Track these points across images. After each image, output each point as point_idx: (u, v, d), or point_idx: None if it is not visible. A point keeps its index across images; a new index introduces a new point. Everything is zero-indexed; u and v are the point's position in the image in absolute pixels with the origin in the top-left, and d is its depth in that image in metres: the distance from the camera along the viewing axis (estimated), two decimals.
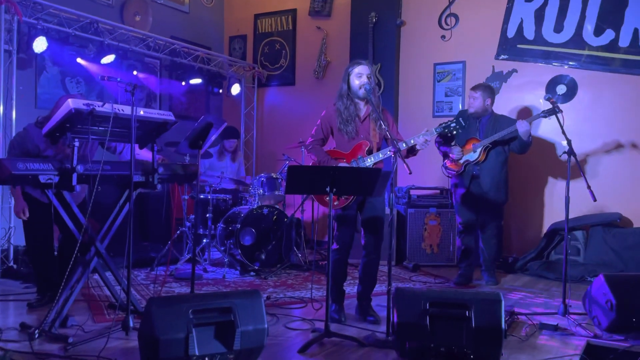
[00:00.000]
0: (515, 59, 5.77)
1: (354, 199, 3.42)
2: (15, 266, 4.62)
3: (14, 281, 4.37)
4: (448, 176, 4.69)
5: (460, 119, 3.49)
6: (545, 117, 4.25)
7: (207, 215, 5.11)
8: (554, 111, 4.09)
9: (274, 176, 5.33)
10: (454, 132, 3.52)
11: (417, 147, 3.44)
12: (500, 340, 2.58)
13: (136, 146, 3.53)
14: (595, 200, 3.49)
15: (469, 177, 4.53)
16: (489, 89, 4.60)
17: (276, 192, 5.30)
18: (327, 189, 2.97)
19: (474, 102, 4.56)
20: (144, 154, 3.57)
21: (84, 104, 2.84)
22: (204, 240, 5.26)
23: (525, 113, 5.68)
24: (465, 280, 4.59)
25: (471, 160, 4.49)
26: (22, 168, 2.74)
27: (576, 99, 5.51)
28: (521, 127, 4.29)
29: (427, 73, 6.25)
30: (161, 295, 3.92)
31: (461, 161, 4.54)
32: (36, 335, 2.91)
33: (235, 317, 2.50)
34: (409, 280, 4.84)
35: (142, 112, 3.13)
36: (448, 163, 4.63)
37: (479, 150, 4.45)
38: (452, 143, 4.62)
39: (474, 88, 4.62)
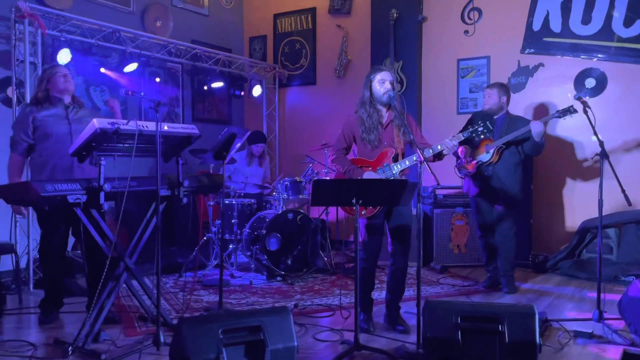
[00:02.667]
0: (542, 53, 5.63)
1: (381, 208, 3.38)
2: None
3: None
4: (461, 177, 4.59)
5: (488, 122, 3.42)
6: (559, 117, 4.12)
7: (233, 221, 5.13)
8: (568, 111, 3.99)
9: (298, 180, 5.32)
10: (482, 136, 3.45)
11: (444, 152, 3.38)
12: (535, 355, 2.53)
13: None
14: (630, 204, 3.37)
15: (482, 178, 4.42)
16: (505, 87, 4.49)
17: (300, 196, 5.29)
18: (354, 201, 2.94)
19: (489, 99, 4.44)
20: None
21: (108, 123, 2.86)
22: (230, 246, 5.28)
23: (553, 108, 5.55)
24: (495, 282, 4.52)
25: (484, 161, 4.37)
26: (50, 190, 2.77)
27: (606, 92, 5.35)
28: (535, 127, 4.13)
29: (450, 69, 6.15)
30: (191, 306, 3.95)
31: (474, 162, 4.42)
32: (69, 352, 2.95)
33: (265, 335, 2.49)
34: (437, 283, 4.79)
35: (166, 128, 3.14)
36: (459, 164, 4.54)
37: (492, 151, 4.33)
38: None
39: (490, 86, 4.53)
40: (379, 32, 6.40)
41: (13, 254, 4.17)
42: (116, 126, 2.87)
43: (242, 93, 7.01)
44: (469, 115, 5.85)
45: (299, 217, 5.05)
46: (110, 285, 3.24)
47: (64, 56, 4.89)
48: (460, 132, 3.49)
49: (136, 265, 3.37)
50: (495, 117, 4.42)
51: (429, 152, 3.34)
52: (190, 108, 6.86)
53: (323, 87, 7.12)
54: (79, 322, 3.35)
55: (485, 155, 4.36)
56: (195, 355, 2.35)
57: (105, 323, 3.33)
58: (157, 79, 5.94)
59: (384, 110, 3.50)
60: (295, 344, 2.56)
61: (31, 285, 4.57)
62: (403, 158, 3.47)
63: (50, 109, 3.57)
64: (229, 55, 6.83)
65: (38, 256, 3.82)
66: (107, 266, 3.13)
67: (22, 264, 4.68)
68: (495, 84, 4.55)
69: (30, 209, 4.83)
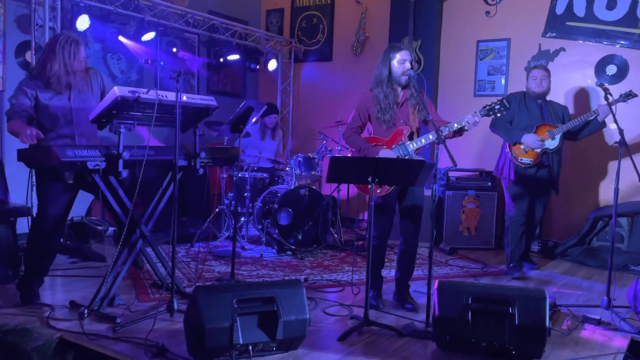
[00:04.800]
0: (564, 37, 5.53)
1: (395, 187, 3.39)
2: (62, 240, 4.77)
3: (61, 255, 4.52)
4: (524, 168, 4.33)
5: (505, 100, 3.34)
6: (623, 101, 4.15)
7: (245, 194, 5.16)
8: (630, 95, 4.07)
9: (311, 156, 5.33)
10: (498, 114, 3.39)
11: (466, 128, 3.32)
12: (544, 338, 2.55)
13: None
14: None
15: (538, 165, 4.33)
16: None
17: (313, 172, 5.30)
18: (369, 179, 2.96)
19: (545, 82, 4.40)
20: None
21: (129, 92, 2.87)
22: (242, 219, 5.33)
23: (572, 94, 5.49)
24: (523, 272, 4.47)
25: (551, 148, 4.29)
26: (71, 155, 2.80)
27: (626, 80, 5.27)
28: (605, 112, 4.16)
29: (469, 50, 6.07)
30: (203, 276, 4.02)
31: (539, 149, 4.30)
32: (85, 315, 3.02)
33: (278, 307, 2.54)
34: (446, 264, 4.82)
35: (185, 98, 3.15)
36: (519, 153, 4.33)
37: (558, 136, 4.28)
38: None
39: (545, 68, 4.45)
40: (398, 10, 6.31)
41: (29, 217, 4.23)
42: (137, 95, 2.88)
43: (258, 67, 6.97)
44: (485, 98, 5.86)
45: (311, 193, 5.07)
46: (125, 252, 3.30)
47: (82, 22, 4.87)
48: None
49: (150, 233, 3.41)
50: (539, 101, 4.44)
51: (446, 130, 3.31)
52: (205, 80, 6.85)
53: (339, 63, 7.07)
54: (93, 287, 3.41)
55: (551, 142, 4.30)
56: (210, 323, 2.40)
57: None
58: (174, 49, 5.92)
59: (399, 88, 3.47)
60: (308, 316, 2.60)
61: None
62: (418, 136, 3.46)
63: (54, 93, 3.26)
64: (245, 28, 6.78)
65: (29, 230, 3.43)
66: (123, 233, 3.19)
67: None
68: (546, 67, 4.50)
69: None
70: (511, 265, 4.45)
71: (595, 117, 4.28)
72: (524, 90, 4.56)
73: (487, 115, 3.38)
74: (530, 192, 4.44)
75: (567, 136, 4.44)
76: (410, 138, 3.44)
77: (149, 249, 3.48)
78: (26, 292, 3.31)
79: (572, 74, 5.50)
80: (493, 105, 3.34)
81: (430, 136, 3.34)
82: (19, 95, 3.19)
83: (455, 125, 3.31)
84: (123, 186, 3.25)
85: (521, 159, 4.33)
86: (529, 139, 4.30)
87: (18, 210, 4.01)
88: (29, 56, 4.85)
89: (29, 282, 3.34)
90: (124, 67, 5.85)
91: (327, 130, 5.96)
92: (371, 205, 3.03)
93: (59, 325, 2.91)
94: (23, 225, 4.35)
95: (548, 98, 4.52)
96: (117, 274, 3.22)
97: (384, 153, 3.36)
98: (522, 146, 4.34)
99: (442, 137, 3.11)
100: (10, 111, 3.20)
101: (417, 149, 3.42)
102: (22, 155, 3.00)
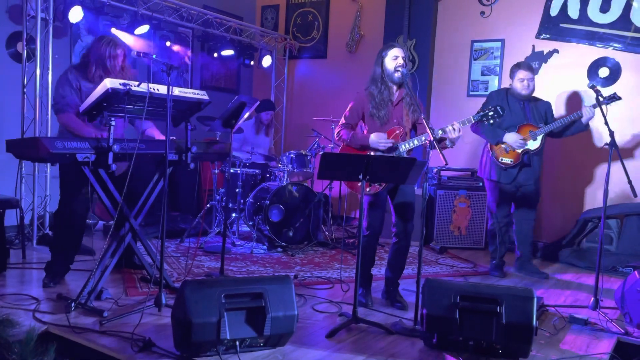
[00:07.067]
0: (557, 39, 5.55)
1: (385, 185, 3.39)
2: (50, 233, 4.74)
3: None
4: (504, 169, 4.34)
5: (498, 107, 3.37)
6: (607, 103, 4.01)
7: (237, 190, 5.15)
8: (613, 98, 4.01)
9: (304, 153, 5.32)
10: (491, 120, 3.41)
11: (448, 135, 3.24)
12: (531, 337, 2.56)
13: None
14: (636, 196, 3.37)
15: (520, 166, 4.32)
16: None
17: (305, 169, 5.30)
18: (360, 177, 2.95)
19: (532, 84, 4.34)
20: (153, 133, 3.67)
21: (120, 84, 2.85)
22: (233, 215, 5.31)
23: (564, 95, 5.51)
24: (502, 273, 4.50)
25: (532, 149, 4.29)
26: (60, 147, 2.78)
27: (618, 83, 5.29)
28: (588, 114, 4.14)
29: (463, 50, 6.08)
30: (193, 271, 4.00)
31: (520, 149, 4.28)
32: (72, 308, 3.00)
33: (266, 303, 2.53)
34: (436, 263, 4.83)
35: (177, 92, 3.13)
36: (500, 153, 4.33)
37: (540, 137, 4.27)
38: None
39: (530, 69, 4.35)
40: (393, 9, 6.31)
41: (18, 210, 4.20)
42: (128, 87, 2.86)
43: (252, 63, 6.95)
44: (478, 98, 5.87)
45: (302, 190, 5.07)
46: (114, 246, 3.28)
47: (75, 14, 4.84)
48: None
49: (140, 227, 3.39)
50: (524, 102, 4.38)
51: (439, 133, 3.31)
52: (199, 75, 6.81)
53: (333, 61, 7.06)
54: (82, 280, 3.40)
55: (532, 143, 4.29)
56: (197, 317, 2.38)
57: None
58: (168, 43, 5.89)
59: (394, 87, 3.47)
60: (296, 312, 2.60)
61: (34, 241, 4.61)
62: (410, 138, 3.46)
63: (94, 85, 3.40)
64: (240, 23, 6.76)
65: (54, 219, 3.66)
66: (112, 226, 3.17)
67: (27, 220, 4.72)
68: (530, 66, 4.40)
69: (48, 169, 4.85)
70: (493, 262, 4.52)
71: (579, 118, 4.24)
72: (506, 87, 4.53)
73: (480, 121, 3.41)
74: (512, 193, 4.42)
75: (551, 134, 4.40)
76: (403, 139, 3.43)
77: (138, 244, 3.47)
78: (52, 277, 3.51)
79: (564, 75, 5.52)
80: (487, 112, 3.37)
81: (423, 137, 3.34)
82: (65, 86, 3.38)
83: (440, 132, 3.26)
84: (113, 179, 3.24)
85: (502, 159, 4.34)
86: (511, 138, 4.27)
87: (6, 202, 3.98)
88: (20, 47, 4.80)
89: (55, 268, 3.54)
90: None
91: (320, 127, 5.94)
92: (362, 203, 3.03)
93: (45, 318, 2.89)
94: (11, 217, 4.33)
95: (541, 95, 4.48)
96: (105, 268, 3.20)
97: (373, 140, 3.34)
98: (503, 146, 4.33)
99: (435, 135, 3.10)
100: (62, 103, 3.37)
101: (408, 150, 3.42)
102: (11, 146, 2.97)
